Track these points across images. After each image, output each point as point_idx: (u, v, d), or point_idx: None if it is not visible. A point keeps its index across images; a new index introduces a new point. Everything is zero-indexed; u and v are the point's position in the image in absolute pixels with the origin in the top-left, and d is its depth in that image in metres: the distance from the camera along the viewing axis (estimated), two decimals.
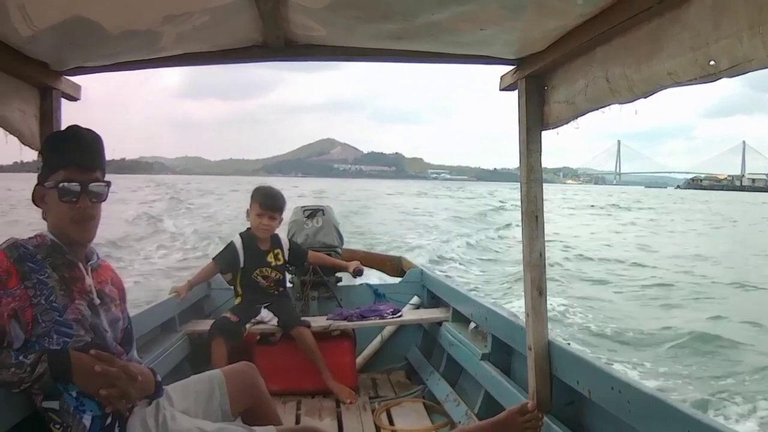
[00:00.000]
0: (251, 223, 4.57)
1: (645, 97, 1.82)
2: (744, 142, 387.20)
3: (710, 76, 1.49)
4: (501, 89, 2.77)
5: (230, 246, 4.58)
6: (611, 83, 1.93)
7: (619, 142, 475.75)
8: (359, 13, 1.97)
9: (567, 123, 2.41)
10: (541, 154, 2.66)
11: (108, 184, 2.12)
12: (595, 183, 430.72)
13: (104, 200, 2.12)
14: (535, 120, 2.59)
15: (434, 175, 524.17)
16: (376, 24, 2.08)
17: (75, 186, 2.03)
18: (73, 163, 2.04)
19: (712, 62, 1.46)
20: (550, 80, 2.47)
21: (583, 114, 2.25)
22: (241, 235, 4.61)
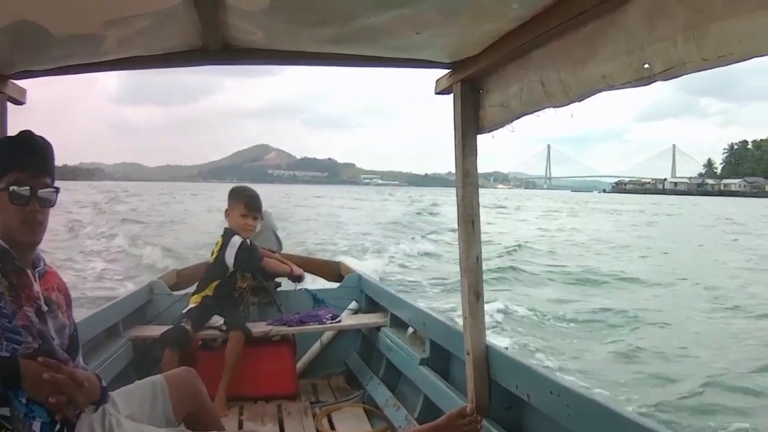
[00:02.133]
0: (234, 224, 4.50)
1: (580, 101, 1.84)
2: (674, 145, 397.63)
3: (644, 79, 1.50)
4: (437, 93, 2.78)
5: (243, 245, 4.47)
6: (546, 87, 1.95)
7: (549, 146, 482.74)
8: (297, 16, 1.96)
9: (502, 127, 2.43)
10: (476, 158, 2.68)
11: (57, 190, 2.10)
12: (526, 187, 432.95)
13: (52, 206, 2.10)
14: (471, 124, 2.60)
15: (366, 181, 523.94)
16: (314, 28, 2.07)
17: (25, 190, 2.01)
18: (24, 167, 2.02)
19: (646, 65, 1.48)
20: (485, 84, 2.49)
21: (518, 117, 2.26)
22: (231, 234, 4.50)
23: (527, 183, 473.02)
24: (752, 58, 1.22)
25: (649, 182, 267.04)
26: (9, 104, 2.49)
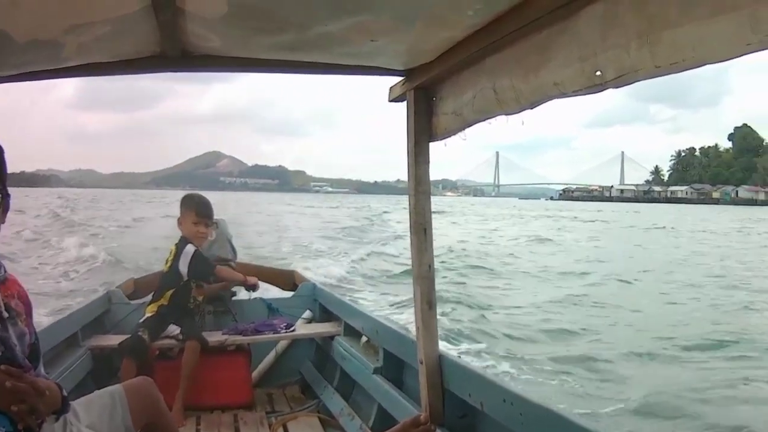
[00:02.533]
0: (187, 232, 4.48)
1: (532, 108, 1.86)
2: (623, 152, 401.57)
3: (596, 86, 1.51)
4: (390, 100, 2.78)
5: (197, 254, 4.45)
6: (498, 94, 1.96)
7: (497, 153, 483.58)
8: (254, 24, 1.96)
9: (455, 134, 2.44)
10: (428, 166, 2.68)
11: (4, 195, 2.05)
12: (474, 195, 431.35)
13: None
14: (423, 131, 2.60)
15: (316, 188, 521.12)
16: (271, 35, 2.07)
17: None
18: None
19: (598, 72, 1.49)
20: (438, 91, 2.50)
21: (471, 125, 2.28)
22: (185, 242, 4.47)
23: (475, 191, 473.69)
24: (705, 64, 1.24)
25: (596, 189, 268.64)
26: None
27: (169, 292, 4.44)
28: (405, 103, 2.67)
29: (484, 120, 2.16)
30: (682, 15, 1.24)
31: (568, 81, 1.61)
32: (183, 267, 4.40)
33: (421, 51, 2.26)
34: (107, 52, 2.21)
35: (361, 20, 1.90)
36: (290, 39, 2.11)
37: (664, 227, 51.42)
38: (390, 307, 12.95)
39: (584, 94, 1.59)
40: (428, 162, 2.68)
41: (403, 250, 22.80)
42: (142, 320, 4.36)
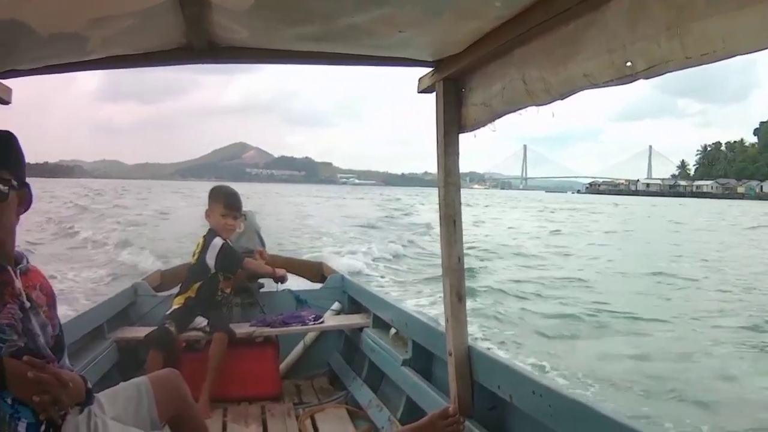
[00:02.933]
0: (215, 224, 4.49)
1: (561, 99, 1.85)
2: (650, 146, 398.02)
3: (627, 77, 1.50)
4: (419, 92, 2.78)
5: (225, 246, 4.46)
6: (528, 85, 1.95)
7: (525, 146, 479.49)
8: (281, 15, 1.96)
9: (484, 125, 2.43)
10: (458, 157, 2.67)
11: (10, 185, 1.99)
12: (502, 188, 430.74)
13: (4, 201, 1.99)
14: (453, 123, 2.60)
15: (343, 180, 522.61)
16: (297, 26, 2.07)
17: None
18: None
19: (628, 63, 1.48)
20: (467, 82, 2.49)
21: (500, 116, 2.27)
22: (213, 235, 4.49)
23: (503, 183, 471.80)
24: (735, 56, 1.23)
25: (622, 183, 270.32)
26: None
27: (197, 285, 4.44)
28: (434, 94, 2.66)
29: (514, 111, 2.15)
30: (710, 6, 1.23)
31: (597, 72, 1.61)
32: (210, 260, 4.41)
33: (450, 42, 2.25)
34: (132, 45, 2.22)
35: (388, 12, 1.89)
36: (316, 30, 2.11)
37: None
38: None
39: (615, 85, 1.58)
40: (458, 153, 2.67)
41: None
42: (169, 312, 4.38)
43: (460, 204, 2.73)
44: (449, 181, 2.68)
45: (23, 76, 2.40)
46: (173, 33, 2.10)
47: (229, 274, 4.58)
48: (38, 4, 1.66)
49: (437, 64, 2.55)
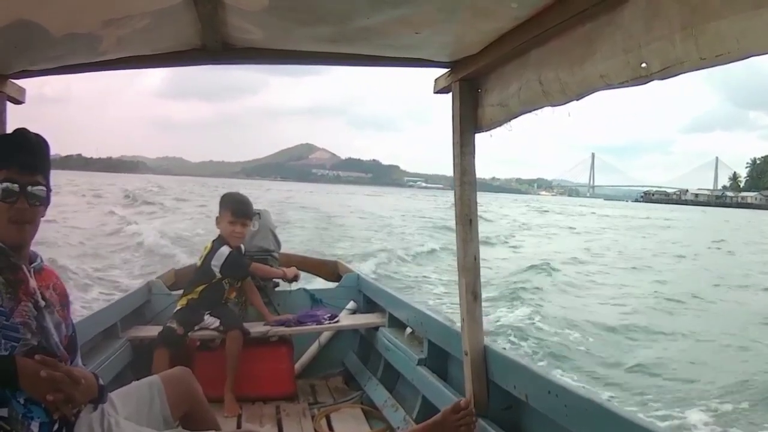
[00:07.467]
0: (224, 231, 4.49)
1: (578, 100, 1.85)
2: (716, 158, 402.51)
3: (642, 78, 1.50)
4: (435, 92, 2.78)
5: (231, 255, 4.47)
6: (544, 86, 1.94)
7: (593, 154, 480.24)
8: (296, 16, 1.96)
9: (500, 126, 2.43)
10: (474, 157, 2.68)
11: (49, 188, 2.07)
12: (569, 195, 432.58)
13: (44, 204, 2.06)
14: (469, 123, 2.60)
15: (410, 183, 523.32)
16: (312, 27, 2.08)
17: (14, 186, 1.98)
18: (14, 164, 1.99)
19: (643, 64, 1.47)
20: (483, 83, 2.49)
21: (517, 116, 2.27)
22: (221, 242, 4.51)
23: (570, 191, 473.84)
24: (750, 57, 1.22)
25: (674, 193, 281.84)
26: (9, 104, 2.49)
27: (200, 288, 4.45)
28: (450, 94, 2.67)
29: (530, 111, 2.15)
30: (725, 6, 1.22)
31: (613, 73, 1.61)
32: (215, 267, 4.41)
33: (466, 43, 2.25)
34: (147, 45, 2.22)
35: (404, 13, 1.89)
36: (332, 31, 2.11)
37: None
38: None
39: (630, 86, 1.58)
40: (474, 153, 2.67)
41: None
42: (174, 311, 4.41)
43: (476, 203, 2.72)
44: (465, 180, 2.68)
45: (36, 76, 2.43)
46: (187, 34, 2.11)
47: (235, 281, 4.59)
48: (51, 5, 1.67)
49: (454, 65, 2.55)
